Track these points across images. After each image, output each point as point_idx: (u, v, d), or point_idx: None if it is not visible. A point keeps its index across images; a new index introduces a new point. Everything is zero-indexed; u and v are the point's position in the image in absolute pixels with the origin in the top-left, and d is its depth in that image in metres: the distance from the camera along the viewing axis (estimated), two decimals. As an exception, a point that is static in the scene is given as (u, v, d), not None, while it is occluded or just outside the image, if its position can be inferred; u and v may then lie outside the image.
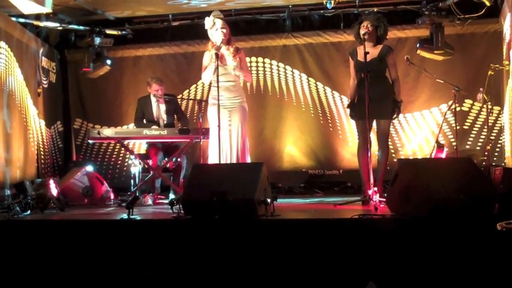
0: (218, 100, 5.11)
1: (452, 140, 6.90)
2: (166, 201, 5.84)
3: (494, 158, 6.96)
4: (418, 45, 6.93)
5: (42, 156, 7.48)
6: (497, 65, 6.09)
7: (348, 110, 5.34)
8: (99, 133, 6.04)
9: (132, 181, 6.60)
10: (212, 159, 5.31)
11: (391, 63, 5.12)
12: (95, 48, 7.63)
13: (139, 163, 6.48)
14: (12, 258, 4.00)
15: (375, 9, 6.74)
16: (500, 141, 6.97)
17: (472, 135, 7.18)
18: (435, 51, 6.83)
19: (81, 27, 7.57)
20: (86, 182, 6.11)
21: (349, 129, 7.54)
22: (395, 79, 5.13)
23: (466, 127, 7.18)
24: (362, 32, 5.00)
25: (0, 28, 6.41)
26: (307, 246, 3.63)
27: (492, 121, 6.93)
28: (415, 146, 7.41)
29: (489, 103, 6.23)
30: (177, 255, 3.79)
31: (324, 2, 6.46)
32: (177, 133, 6.03)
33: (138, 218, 4.29)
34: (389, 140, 5.37)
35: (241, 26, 7.65)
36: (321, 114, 7.68)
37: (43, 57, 7.62)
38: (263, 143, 7.72)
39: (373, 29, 5.07)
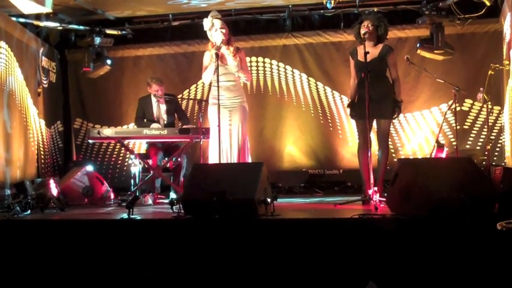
0: (218, 100, 5.11)
1: (453, 139, 6.90)
2: (166, 201, 5.83)
3: (495, 158, 6.96)
4: (418, 45, 6.93)
5: (42, 156, 7.48)
6: (497, 65, 6.09)
7: (348, 110, 5.35)
8: (99, 133, 6.05)
9: (132, 181, 6.60)
10: (212, 159, 5.31)
11: (391, 63, 5.12)
12: (95, 48, 7.63)
13: (140, 163, 6.49)
14: (12, 258, 4.00)
15: (375, 9, 6.73)
16: (500, 141, 6.97)
17: (472, 135, 7.18)
18: (435, 51, 6.83)
19: (81, 27, 7.57)
20: (86, 181, 6.11)
21: (349, 129, 7.54)
22: (395, 79, 5.13)
23: (466, 127, 7.18)
24: (362, 31, 5.00)
25: (0, 28, 6.41)
26: (307, 246, 3.63)
27: (492, 121, 6.93)
28: (415, 146, 7.41)
29: (489, 103, 6.22)
30: (177, 255, 3.79)
31: (324, 1, 6.46)
32: (177, 133, 6.03)
33: (138, 218, 4.29)
34: (389, 139, 5.37)
35: (241, 25, 7.66)
36: (321, 114, 7.68)
37: (43, 57, 7.62)
38: (263, 143, 7.72)
39: (374, 29, 5.07)
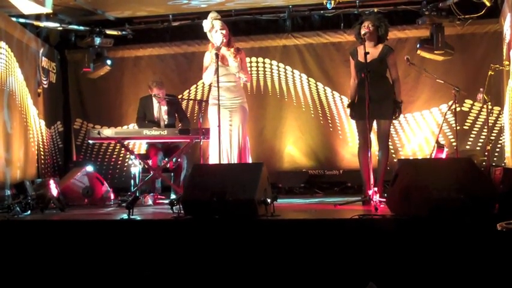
0: (218, 100, 5.11)
1: (453, 140, 6.90)
2: (166, 201, 5.83)
3: (495, 158, 6.97)
4: (418, 45, 6.93)
5: (43, 157, 7.48)
6: (497, 65, 6.09)
7: (348, 110, 5.35)
8: (99, 133, 6.05)
9: (132, 181, 6.61)
10: (212, 159, 5.31)
11: (391, 64, 5.13)
12: (95, 48, 7.64)
13: (140, 163, 6.49)
14: (13, 259, 4.00)
15: (375, 10, 6.74)
16: (500, 142, 6.97)
17: (472, 136, 7.18)
18: (435, 52, 6.84)
19: (81, 28, 7.57)
20: (86, 182, 6.11)
21: (349, 129, 7.54)
22: (395, 79, 5.13)
23: (466, 127, 7.18)
24: (363, 32, 5.01)
25: (0, 28, 6.41)
26: (307, 247, 3.64)
27: (492, 121, 6.93)
28: (415, 146, 7.41)
29: (489, 103, 6.22)
30: (177, 255, 3.80)
31: (324, 2, 6.46)
32: (177, 133, 6.04)
33: (138, 218, 4.29)
34: (389, 140, 5.37)
35: (241, 26, 7.66)
36: (321, 115, 7.68)
37: (43, 58, 7.62)
38: (263, 143, 7.72)
39: (374, 29, 5.07)
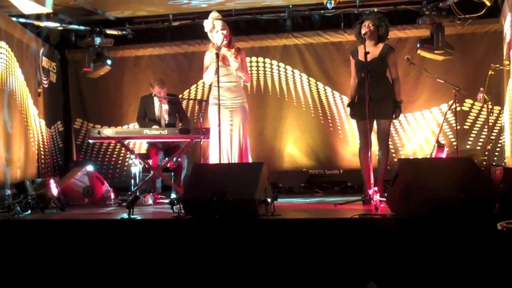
0: (219, 100, 5.11)
1: (453, 139, 6.90)
2: (166, 200, 5.84)
3: (495, 158, 6.96)
4: (418, 45, 6.93)
5: (43, 156, 7.49)
6: (497, 65, 6.09)
7: (348, 110, 5.35)
8: (99, 133, 6.05)
9: (132, 181, 6.61)
10: (213, 159, 5.31)
11: (391, 63, 5.13)
12: (95, 48, 7.63)
13: (140, 163, 6.49)
14: (13, 258, 4.00)
15: (375, 9, 6.73)
16: (500, 141, 6.96)
17: (472, 135, 7.18)
18: (435, 51, 6.83)
19: (82, 27, 7.57)
20: (87, 181, 6.11)
21: (349, 129, 7.54)
22: (395, 79, 5.13)
23: (467, 127, 7.18)
24: (363, 31, 5.01)
25: (0, 28, 6.41)
26: (307, 246, 3.64)
27: (492, 121, 6.93)
28: (415, 146, 7.41)
29: (489, 103, 6.22)
30: (177, 255, 3.80)
31: (325, 2, 6.45)
32: (178, 133, 6.04)
33: (139, 218, 4.29)
34: (389, 139, 5.37)
35: (242, 26, 7.65)
36: (321, 114, 7.68)
37: (43, 57, 7.62)
38: (263, 143, 7.72)
39: (375, 29, 5.08)
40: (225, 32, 5.35)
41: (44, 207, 5.21)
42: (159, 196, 6.21)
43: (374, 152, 5.12)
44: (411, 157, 7.21)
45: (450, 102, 6.68)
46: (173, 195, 6.05)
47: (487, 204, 3.74)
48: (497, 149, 7.00)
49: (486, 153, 6.49)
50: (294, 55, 7.75)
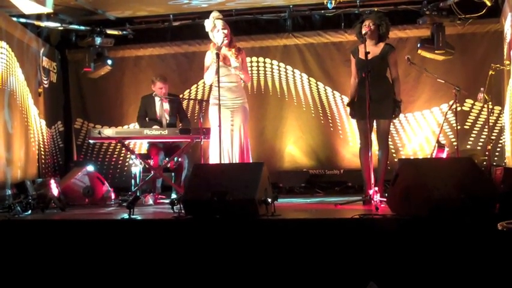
0: (219, 100, 5.11)
1: (453, 139, 6.90)
2: (167, 201, 5.84)
3: (495, 158, 6.96)
4: (418, 45, 6.93)
5: (43, 156, 7.49)
6: (498, 65, 6.09)
7: (348, 109, 5.35)
8: (99, 133, 6.05)
9: (132, 181, 6.61)
10: (213, 159, 5.31)
11: (392, 62, 5.13)
12: (95, 48, 7.64)
13: (140, 163, 6.49)
14: (13, 258, 4.00)
15: (376, 9, 6.73)
16: (501, 141, 6.96)
17: (472, 135, 7.18)
18: (436, 51, 6.83)
19: (82, 27, 7.58)
20: (87, 181, 6.11)
21: (349, 129, 7.53)
22: (395, 78, 5.13)
23: (467, 127, 7.18)
24: (363, 31, 5.01)
25: (1, 28, 6.41)
26: (308, 246, 3.64)
27: (493, 121, 6.93)
28: (415, 146, 7.41)
29: (490, 103, 6.22)
30: (177, 255, 3.80)
31: (325, 2, 6.45)
32: (178, 133, 6.04)
33: (139, 218, 4.29)
34: (390, 139, 5.37)
35: (242, 26, 7.65)
36: (321, 114, 7.68)
37: (44, 57, 7.62)
38: (264, 143, 7.72)
39: (375, 28, 5.08)
40: (226, 31, 5.35)
41: (44, 207, 5.21)
42: (159, 196, 6.21)
43: (374, 152, 5.12)
44: (411, 157, 7.20)
45: (450, 102, 6.67)
46: (173, 196, 6.05)
47: (488, 204, 3.74)
48: (498, 149, 7.00)
49: (486, 153, 6.49)
50: (295, 55, 7.75)
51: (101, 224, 4.27)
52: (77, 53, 8.08)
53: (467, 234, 3.43)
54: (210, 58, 5.40)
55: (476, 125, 7.16)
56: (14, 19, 6.80)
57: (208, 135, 5.62)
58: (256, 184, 3.98)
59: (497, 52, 6.75)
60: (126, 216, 4.28)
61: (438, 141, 6.48)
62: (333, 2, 6.39)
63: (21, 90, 6.87)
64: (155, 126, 6.31)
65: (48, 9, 5.74)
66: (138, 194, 5.85)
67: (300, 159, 7.72)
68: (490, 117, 6.61)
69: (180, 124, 6.62)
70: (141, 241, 3.91)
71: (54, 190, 5.39)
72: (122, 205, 5.63)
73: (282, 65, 7.80)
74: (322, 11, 7.44)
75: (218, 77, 5.14)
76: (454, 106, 6.19)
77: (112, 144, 8.13)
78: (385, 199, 4.41)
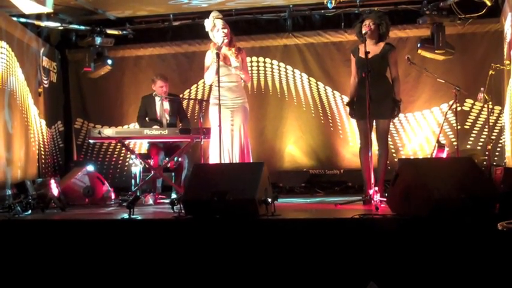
0: (219, 100, 5.11)
1: (453, 139, 6.90)
2: (167, 201, 5.84)
3: (495, 158, 6.96)
4: (419, 45, 6.92)
5: (43, 156, 7.49)
6: (498, 65, 6.09)
7: (348, 108, 5.35)
8: (100, 133, 6.05)
9: (133, 181, 6.61)
10: (213, 159, 5.31)
11: (392, 62, 5.13)
12: (95, 48, 7.63)
13: (140, 163, 6.49)
14: (13, 258, 4.00)
15: (376, 9, 6.73)
16: (501, 141, 6.96)
17: (473, 135, 7.18)
18: (436, 51, 6.83)
19: (82, 27, 7.58)
20: (87, 181, 6.11)
21: (349, 128, 7.53)
22: (395, 78, 5.13)
23: (467, 127, 7.17)
24: (364, 31, 5.01)
25: (1, 28, 6.41)
26: (308, 246, 3.64)
27: (493, 121, 6.92)
28: (415, 146, 7.41)
29: (490, 103, 6.22)
30: (177, 255, 3.80)
31: (325, 1, 6.44)
32: (178, 133, 6.04)
33: (139, 218, 4.29)
34: (390, 139, 5.37)
35: (242, 25, 7.65)
36: (321, 114, 7.68)
37: (44, 57, 7.62)
38: (264, 143, 7.72)
39: (375, 28, 5.08)
40: (225, 30, 5.35)
41: (44, 207, 5.21)
42: (159, 196, 6.21)
43: (374, 152, 5.12)
44: (412, 157, 7.21)
45: (451, 102, 6.68)
46: (174, 195, 6.05)
47: (488, 204, 3.74)
48: (498, 149, 7.00)
49: (487, 153, 6.49)
50: (295, 55, 7.75)
51: (101, 224, 4.27)
52: (77, 53, 8.08)
53: (467, 234, 3.43)
54: (210, 58, 5.40)
55: (476, 125, 7.16)
56: (14, 19, 6.80)
57: (208, 135, 5.62)
58: (256, 184, 3.98)
59: (497, 52, 6.75)
60: (126, 216, 4.28)
61: (438, 141, 6.48)
62: (333, 1, 6.38)
63: (21, 90, 6.87)
64: (155, 126, 6.31)
65: (48, 9, 5.74)
66: (138, 194, 5.85)
67: (300, 159, 7.72)
68: (490, 117, 6.61)
69: (180, 124, 6.62)
70: (141, 241, 3.91)
71: (54, 190, 5.39)
72: (122, 205, 5.63)
73: (282, 64, 7.80)
74: (322, 11, 7.44)
75: (218, 77, 5.14)
76: (454, 106, 6.19)
77: (112, 144, 8.13)
78: (385, 199, 4.41)
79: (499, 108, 6.89)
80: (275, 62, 7.82)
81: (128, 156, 7.85)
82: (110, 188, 6.30)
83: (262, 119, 7.74)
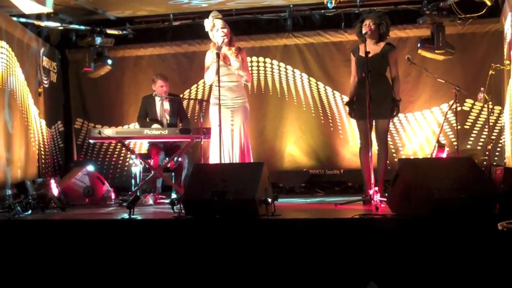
0: (219, 100, 5.11)
1: (453, 139, 6.90)
2: (167, 201, 5.84)
3: (495, 158, 6.96)
4: (419, 44, 6.93)
5: (43, 156, 7.49)
6: (498, 65, 6.09)
7: (347, 108, 5.35)
8: (100, 133, 6.06)
9: (133, 181, 6.61)
10: (213, 159, 5.31)
11: (392, 61, 5.13)
12: (95, 48, 7.63)
13: (140, 163, 6.49)
14: (13, 258, 4.00)
15: (376, 9, 6.73)
16: (501, 141, 6.96)
17: (473, 135, 7.18)
18: (436, 51, 6.83)
19: (82, 27, 7.58)
20: (87, 181, 6.11)
21: (349, 128, 7.53)
22: (395, 77, 5.13)
23: (467, 127, 7.17)
24: (364, 31, 5.01)
25: (1, 28, 6.41)
26: (308, 246, 3.64)
27: (493, 121, 6.92)
28: (416, 146, 7.41)
29: (490, 103, 6.23)
30: (177, 255, 3.80)
31: (325, 1, 6.43)
32: (178, 133, 6.04)
33: (139, 218, 4.29)
34: (390, 139, 5.37)
35: (242, 25, 7.65)
36: (321, 114, 7.68)
37: (44, 57, 7.62)
38: (264, 143, 7.72)
39: (376, 27, 5.08)
40: (225, 30, 5.35)
41: (44, 207, 5.21)
42: (159, 196, 6.21)
43: (374, 152, 5.12)
44: (412, 157, 7.21)
45: (451, 102, 6.68)
46: (174, 195, 6.05)
47: (488, 204, 3.74)
48: (498, 149, 6.99)
49: (487, 153, 6.49)
50: (295, 55, 7.75)
51: (101, 224, 4.27)
52: (77, 53, 8.08)
53: (467, 234, 3.43)
54: (210, 58, 5.40)
55: (477, 125, 7.16)
56: (14, 19, 6.80)
57: (208, 135, 5.63)
58: (256, 184, 3.98)
59: (497, 52, 6.75)
60: (126, 216, 4.28)
61: (438, 141, 6.48)
62: (333, 1, 6.38)
63: (21, 90, 6.87)
64: (155, 125, 6.31)
65: (48, 8, 5.74)
66: (138, 194, 5.85)
67: (300, 159, 7.72)
68: (490, 117, 6.61)
69: (181, 124, 6.63)
70: (141, 241, 3.91)
71: (55, 190, 5.39)
72: (122, 205, 5.63)
73: (282, 64, 7.80)
74: (322, 11, 7.44)
75: (218, 77, 5.15)
76: (454, 106, 6.19)
77: (112, 144, 8.13)
78: (385, 199, 4.41)
79: (499, 108, 6.89)
80: (275, 62, 7.82)
81: (128, 156, 7.85)
82: (110, 188, 6.30)
83: (262, 119, 7.74)
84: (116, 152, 8.19)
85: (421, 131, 7.38)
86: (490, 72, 6.06)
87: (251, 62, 7.67)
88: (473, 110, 7.17)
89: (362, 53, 4.95)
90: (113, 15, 7.56)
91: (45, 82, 7.66)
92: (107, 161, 8.21)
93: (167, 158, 6.31)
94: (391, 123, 5.28)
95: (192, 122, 7.09)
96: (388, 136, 5.33)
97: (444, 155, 6.29)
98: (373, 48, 4.97)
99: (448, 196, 3.64)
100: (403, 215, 3.84)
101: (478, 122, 7.15)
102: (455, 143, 6.58)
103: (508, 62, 5.99)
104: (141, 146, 7.79)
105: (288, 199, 5.98)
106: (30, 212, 4.99)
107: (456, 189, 3.68)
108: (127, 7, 7.31)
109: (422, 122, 7.36)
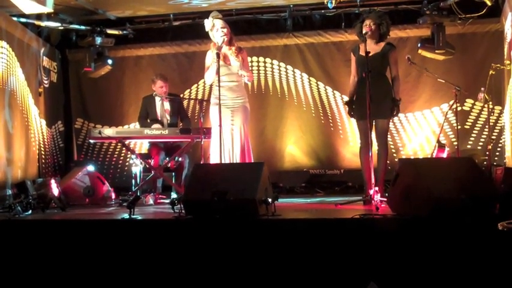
0: (219, 100, 5.11)
1: (454, 139, 6.90)
2: (167, 201, 5.84)
3: (496, 158, 6.96)
4: (419, 44, 6.93)
5: (43, 156, 7.49)
6: (498, 65, 6.09)
7: (346, 107, 5.35)
8: (100, 133, 6.06)
9: (133, 181, 6.60)
10: (214, 159, 5.31)
11: (392, 61, 5.13)
12: (96, 48, 7.64)
13: (141, 163, 6.49)
14: (14, 258, 4.00)
15: (376, 9, 6.73)
16: (501, 141, 6.96)
17: (473, 135, 7.18)
18: (436, 51, 6.83)
19: (82, 27, 7.58)
20: (87, 181, 6.11)
21: (350, 128, 7.53)
22: (395, 77, 5.13)
23: (467, 127, 7.17)
24: (364, 31, 5.02)
25: (1, 28, 6.41)
26: (308, 246, 3.64)
27: (493, 121, 6.92)
28: (416, 146, 7.41)
29: (490, 103, 6.22)
30: (178, 255, 3.80)
31: (325, 1, 6.44)
32: (178, 133, 6.04)
33: (139, 218, 4.29)
34: (390, 139, 5.37)
35: (242, 25, 7.65)
36: (322, 114, 7.68)
37: (44, 57, 7.62)
38: (264, 143, 7.72)
39: (376, 27, 5.09)
40: (225, 30, 5.36)
41: (44, 207, 5.21)
42: (159, 196, 6.21)
43: (374, 151, 5.12)
44: (412, 157, 7.20)
45: (451, 102, 6.68)
46: (174, 195, 6.05)
47: (488, 204, 3.74)
48: (498, 149, 6.99)
49: (487, 153, 6.48)
50: (295, 55, 7.75)
51: (101, 224, 4.27)
52: (78, 53, 8.08)
53: (467, 234, 3.43)
54: (210, 58, 5.40)
55: (477, 125, 7.16)
56: (15, 19, 6.80)
57: (208, 135, 5.63)
58: (257, 184, 3.98)
59: (498, 52, 6.75)
60: (126, 216, 4.28)
61: (438, 141, 6.48)
62: (333, 1, 6.38)
63: (22, 90, 6.87)
64: (155, 125, 6.31)
65: (48, 8, 5.74)
66: (138, 194, 5.85)
67: (300, 159, 7.72)
68: (491, 117, 6.60)
69: (181, 124, 6.63)
70: (141, 241, 3.91)
71: (55, 190, 5.39)
72: (122, 205, 5.62)
73: (282, 64, 7.80)
74: (323, 11, 7.44)
75: (218, 77, 5.15)
76: (454, 106, 6.19)
77: (112, 144, 8.14)
78: (385, 199, 4.42)
79: (499, 108, 6.88)
80: (275, 62, 7.82)
81: (128, 156, 7.85)
82: (110, 188, 6.30)
83: (262, 119, 7.74)
84: (116, 152, 8.20)
85: (421, 131, 7.38)
86: (490, 72, 6.06)
87: (251, 62, 7.66)
88: (473, 110, 7.17)
89: (362, 53, 4.95)
90: (113, 15, 7.56)
91: (46, 82, 7.67)
92: (107, 161, 8.21)
93: (167, 158, 6.31)
94: (391, 123, 5.28)
95: (193, 122, 7.09)
96: (388, 136, 5.33)
97: (444, 155, 6.29)
98: (373, 48, 4.97)
99: (448, 196, 3.64)
100: (403, 215, 3.84)
101: (478, 122, 7.16)
102: (455, 143, 6.58)
103: (508, 62, 5.99)
104: (142, 146, 7.79)
105: (288, 199, 5.98)
106: (30, 212, 4.99)
107: (456, 189, 3.67)
108: (127, 7, 7.31)
109: (423, 122, 7.36)
